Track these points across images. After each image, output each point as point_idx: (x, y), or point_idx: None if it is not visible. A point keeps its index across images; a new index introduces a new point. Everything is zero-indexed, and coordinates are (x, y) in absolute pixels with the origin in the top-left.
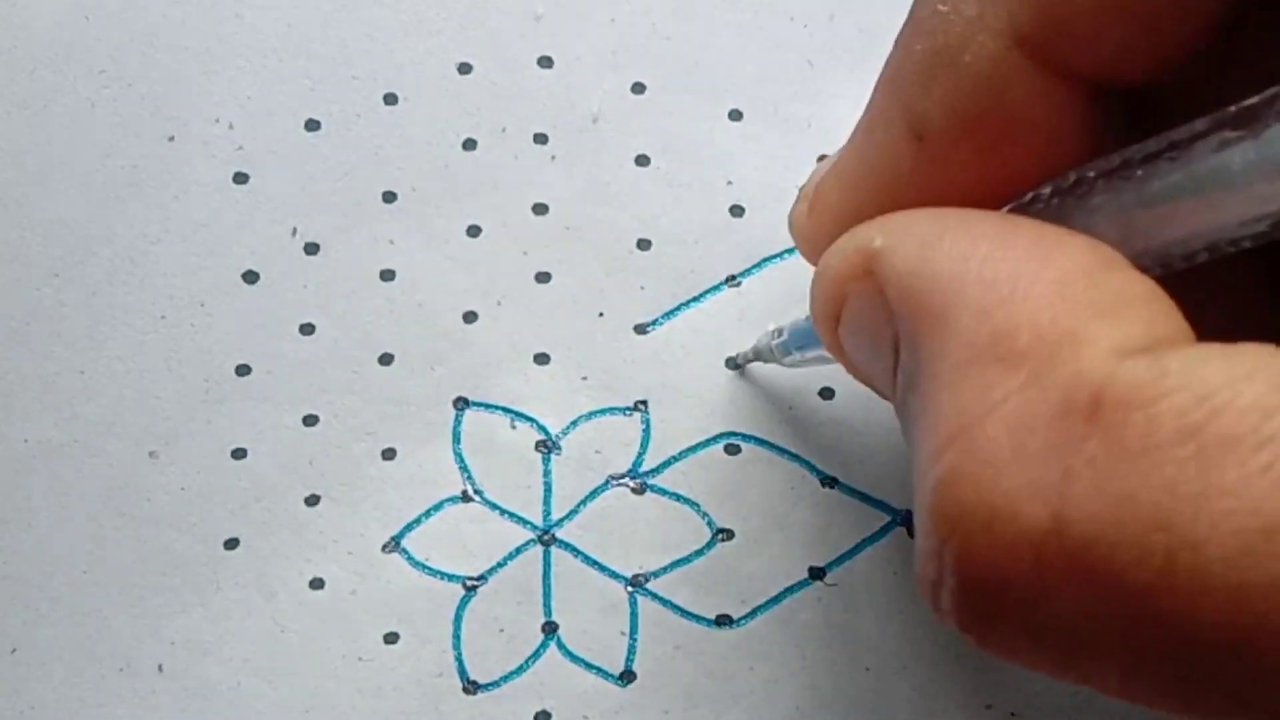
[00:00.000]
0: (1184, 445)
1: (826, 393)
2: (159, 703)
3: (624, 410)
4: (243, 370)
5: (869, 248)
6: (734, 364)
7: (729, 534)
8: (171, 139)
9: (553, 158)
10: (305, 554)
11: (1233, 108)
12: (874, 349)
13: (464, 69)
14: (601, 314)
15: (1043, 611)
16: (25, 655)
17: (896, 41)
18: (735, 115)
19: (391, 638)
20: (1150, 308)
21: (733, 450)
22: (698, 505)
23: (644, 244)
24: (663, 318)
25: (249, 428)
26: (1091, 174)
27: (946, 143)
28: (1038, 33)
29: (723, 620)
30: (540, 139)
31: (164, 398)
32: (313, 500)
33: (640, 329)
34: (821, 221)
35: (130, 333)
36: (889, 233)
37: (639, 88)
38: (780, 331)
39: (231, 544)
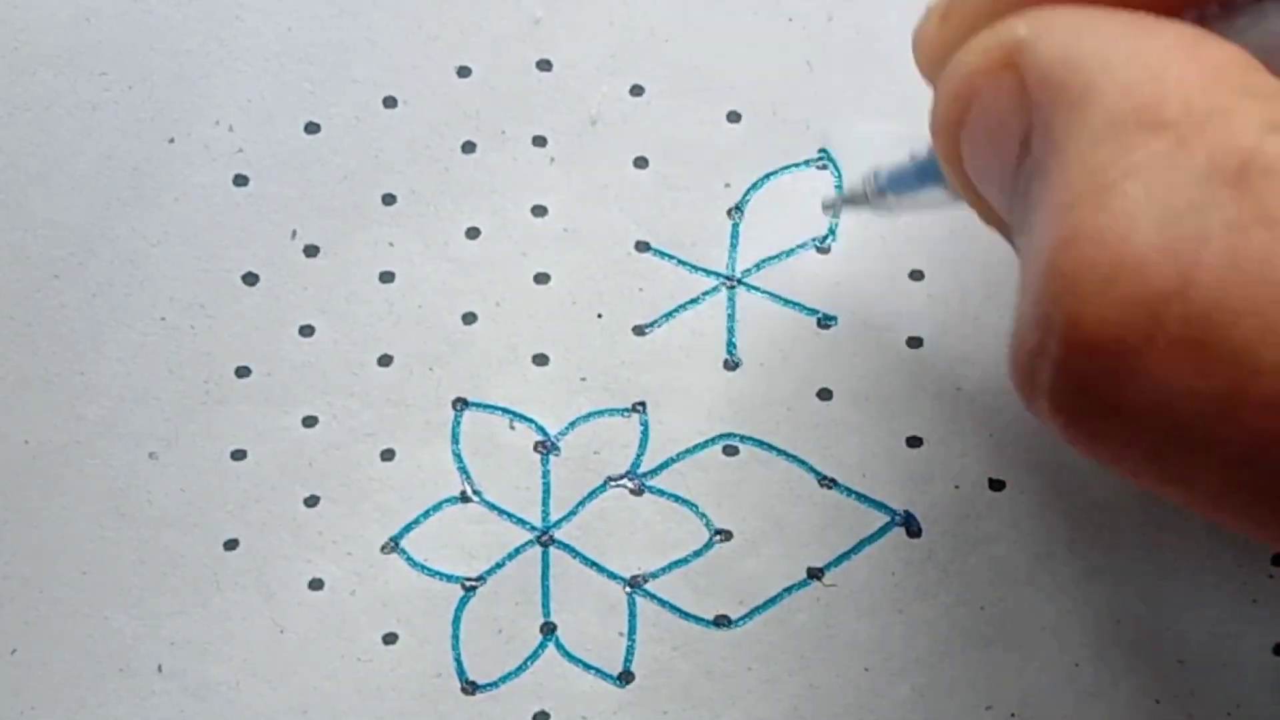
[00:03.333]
0: None
1: (824, 394)
2: (158, 703)
3: (622, 411)
4: (242, 372)
5: (1012, 38)
6: (827, 207)
7: (727, 535)
8: (172, 141)
9: (551, 160)
10: (304, 555)
11: None
12: (999, 147)
13: (463, 72)
14: (600, 315)
15: (1149, 385)
16: (25, 655)
17: None
18: (734, 117)
19: (390, 638)
20: None
21: (731, 451)
22: (696, 506)
23: (642, 246)
24: (661, 319)
25: (249, 429)
26: None
27: None
28: None
29: (721, 621)
30: (539, 141)
31: (164, 399)
32: (312, 501)
33: (639, 330)
34: (956, 29)
35: (130, 334)
36: (1036, 21)
37: (637, 90)
38: (877, 175)
39: (231, 545)
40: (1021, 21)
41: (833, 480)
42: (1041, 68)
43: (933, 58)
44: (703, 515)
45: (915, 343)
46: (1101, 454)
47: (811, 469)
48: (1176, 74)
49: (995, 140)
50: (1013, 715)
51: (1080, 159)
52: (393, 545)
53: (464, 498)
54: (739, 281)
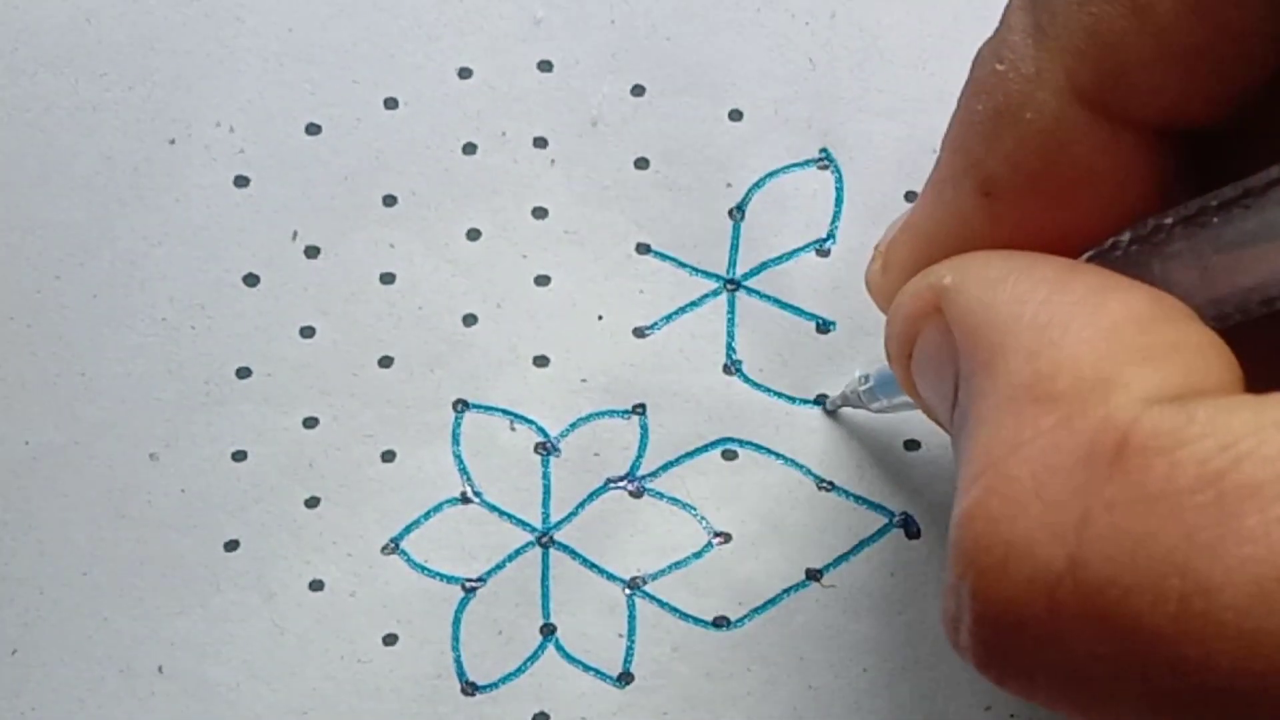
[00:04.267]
0: (1204, 492)
1: (823, 398)
2: (158, 704)
3: (622, 413)
4: (243, 372)
5: (939, 284)
6: (825, 409)
7: (726, 536)
8: (172, 142)
9: (552, 161)
10: (305, 555)
11: None
12: (939, 387)
13: (464, 73)
14: (601, 317)
15: (1057, 652)
16: (25, 656)
17: (959, 101)
18: (735, 116)
19: (390, 639)
20: (1197, 357)
21: (730, 455)
22: (695, 508)
23: (643, 248)
24: (661, 321)
25: (249, 430)
26: (1169, 220)
27: (1014, 199)
28: (1095, 86)
29: (720, 622)
30: (540, 142)
31: (164, 400)
32: (312, 502)
33: (639, 332)
34: (895, 277)
35: (131, 335)
36: (958, 271)
37: (638, 90)
38: (867, 378)
39: (231, 545)
40: (947, 269)
41: (831, 483)
42: (961, 320)
43: (881, 298)
44: (702, 517)
45: None
46: (1034, 702)
47: (810, 472)
48: (1074, 338)
49: (935, 379)
50: (1012, 715)
51: (983, 429)
52: (393, 546)
53: (464, 499)
54: (739, 285)
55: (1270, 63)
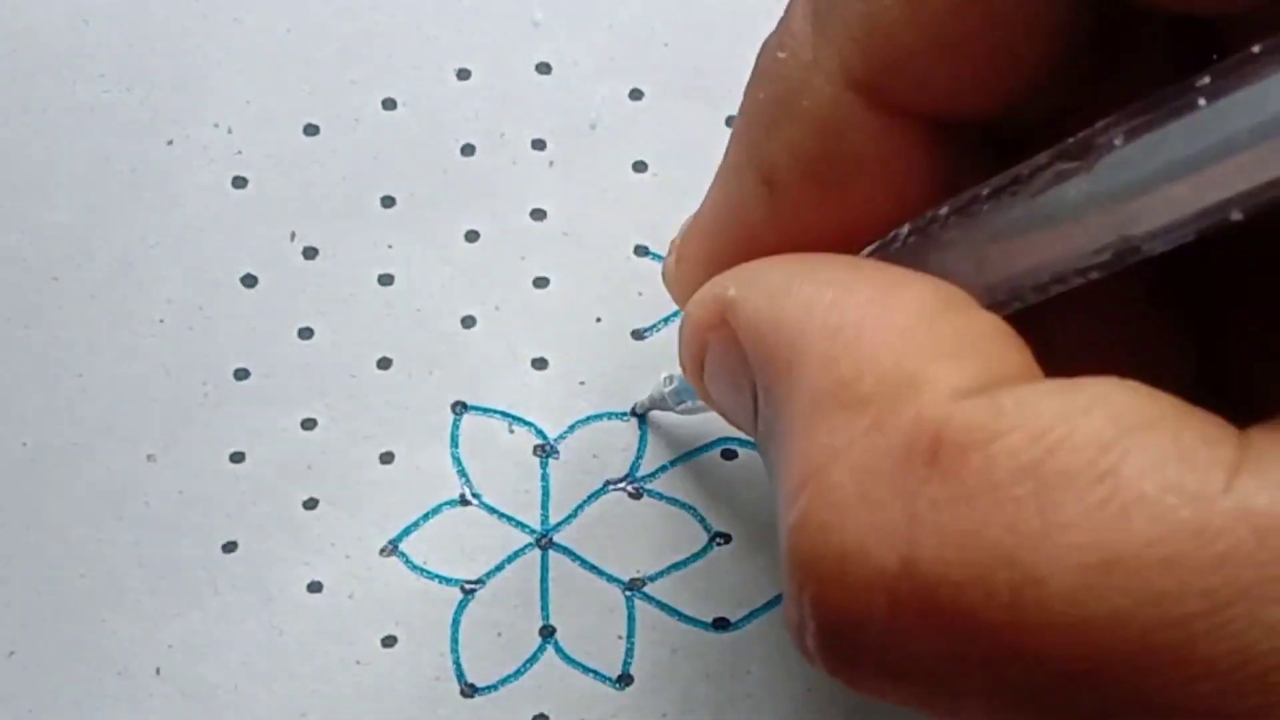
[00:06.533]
0: (1022, 483)
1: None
2: (156, 705)
3: (621, 415)
4: (241, 374)
5: (724, 296)
6: (634, 413)
7: (726, 538)
8: (170, 143)
9: (551, 163)
10: (303, 557)
11: (1070, 140)
12: (736, 396)
13: (462, 74)
14: (599, 319)
15: (901, 653)
16: (23, 658)
17: (745, 90)
18: (733, 120)
19: (389, 641)
20: (991, 346)
21: (729, 455)
22: (695, 509)
23: (641, 250)
24: (660, 323)
25: (247, 431)
26: (944, 211)
27: (794, 189)
28: (869, 75)
29: (720, 623)
30: (538, 145)
31: (162, 401)
32: (311, 504)
33: (638, 334)
34: (687, 271)
35: (128, 336)
36: (741, 282)
37: (637, 94)
38: (671, 379)
39: (229, 547)
40: (730, 280)
41: None
42: (749, 331)
43: (677, 294)
44: (701, 518)
45: None
46: (887, 701)
47: None
48: (869, 340)
49: (731, 390)
50: None
51: (795, 438)
52: (392, 548)
53: (463, 501)
54: None
55: (1050, 54)
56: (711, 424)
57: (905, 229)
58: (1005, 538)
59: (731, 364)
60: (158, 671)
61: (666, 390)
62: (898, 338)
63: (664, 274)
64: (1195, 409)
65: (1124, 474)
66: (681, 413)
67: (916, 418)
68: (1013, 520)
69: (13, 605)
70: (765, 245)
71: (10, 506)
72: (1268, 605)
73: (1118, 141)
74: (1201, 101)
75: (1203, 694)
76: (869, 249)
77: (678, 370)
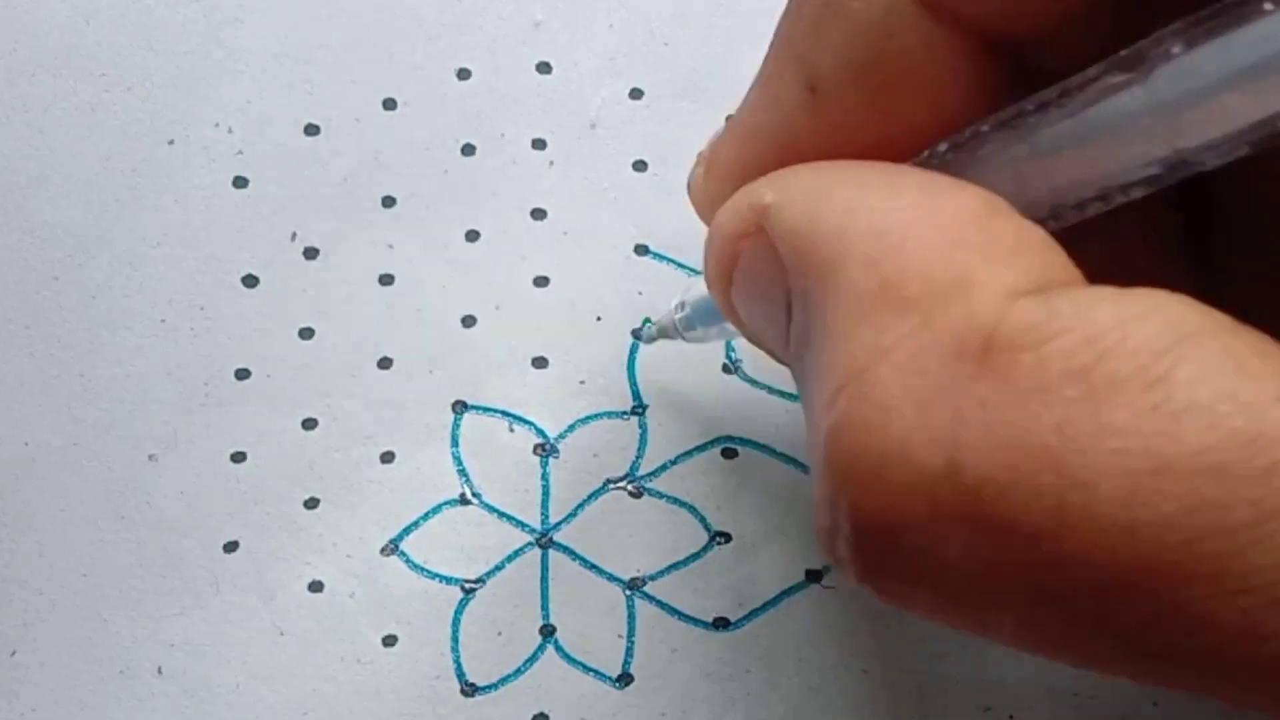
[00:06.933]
0: (1073, 386)
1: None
2: (158, 705)
3: (621, 414)
4: (242, 374)
5: (760, 203)
6: (636, 336)
7: (726, 537)
8: (171, 143)
9: (551, 163)
10: (304, 557)
11: (1122, 51)
12: (767, 308)
13: (463, 74)
14: (599, 318)
15: (938, 558)
16: (25, 658)
17: None
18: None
19: (390, 640)
20: (1043, 252)
21: (729, 454)
22: (695, 508)
23: (641, 249)
24: None
25: (248, 431)
26: (985, 127)
27: (839, 93)
28: None
29: (720, 623)
30: (539, 144)
31: (163, 401)
32: (312, 503)
33: (638, 334)
34: (718, 182)
35: (129, 336)
36: (780, 187)
37: (637, 93)
38: (683, 305)
39: (231, 547)
40: (767, 186)
41: None
42: (788, 237)
43: (703, 207)
44: (701, 517)
45: None
46: (914, 611)
47: (810, 471)
48: (916, 242)
49: (763, 301)
50: (1011, 716)
51: (836, 341)
52: (392, 547)
53: (463, 500)
54: None
55: None
56: (712, 420)
57: (943, 145)
58: (1053, 441)
59: (765, 274)
60: (159, 671)
61: (677, 317)
62: (946, 240)
63: (689, 187)
64: (1244, 325)
65: (1177, 381)
66: (690, 340)
67: (969, 316)
68: (1062, 423)
69: (14, 605)
70: (803, 154)
71: (12, 506)
72: None
73: (1176, 50)
74: (1269, 6)
75: (1243, 608)
76: (909, 164)
77: (689, 296)
